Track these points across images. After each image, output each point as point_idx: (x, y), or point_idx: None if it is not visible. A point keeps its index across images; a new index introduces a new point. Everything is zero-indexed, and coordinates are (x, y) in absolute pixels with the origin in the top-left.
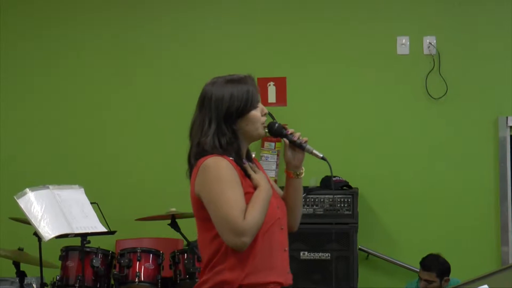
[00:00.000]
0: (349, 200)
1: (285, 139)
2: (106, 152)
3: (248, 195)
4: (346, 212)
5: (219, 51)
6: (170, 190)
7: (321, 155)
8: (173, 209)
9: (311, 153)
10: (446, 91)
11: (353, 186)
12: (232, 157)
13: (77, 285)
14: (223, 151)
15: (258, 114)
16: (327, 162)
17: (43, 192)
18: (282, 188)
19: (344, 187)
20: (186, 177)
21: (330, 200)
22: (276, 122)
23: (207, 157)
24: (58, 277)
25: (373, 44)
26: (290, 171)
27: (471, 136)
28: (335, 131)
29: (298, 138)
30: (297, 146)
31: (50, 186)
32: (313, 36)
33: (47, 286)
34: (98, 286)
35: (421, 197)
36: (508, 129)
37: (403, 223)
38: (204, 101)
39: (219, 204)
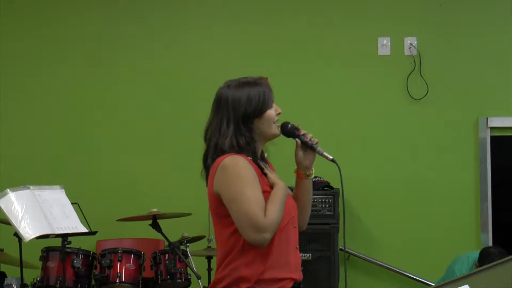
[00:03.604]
0: (330, 200)
1: (297, 139)
2: (88, 152)
3: (265, 194)
4: (327, 213)
5: (201, 51)
6: (151, 191)
7: (331, 157)
8: (155, 210)
9: (322, 154)
10: (427, 92)
11: (334, 186)
12: (249, 156)
13: (58, 285)
14: (241, 150)
15: (273, 113)
16: (337, 164)
17: (24, 193)
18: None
19: (325, 188)
20: (169, 178)
21: (312, 200)
22: (289, 123)
23: (225, 156)
24: (38, 277)
25: (355, 45)
26: (301, 172)
27: (451, 137)
28: (316, 131)
29: (310, 139)
30: (308, 147)
31: (31, 187)
32: (295, 36)
33: (28, 286)
34: (79, 286)
35: (402, 198)
36: (488, 130)
37: (384, 223)
38: (221, 103)
39: (240, 201)
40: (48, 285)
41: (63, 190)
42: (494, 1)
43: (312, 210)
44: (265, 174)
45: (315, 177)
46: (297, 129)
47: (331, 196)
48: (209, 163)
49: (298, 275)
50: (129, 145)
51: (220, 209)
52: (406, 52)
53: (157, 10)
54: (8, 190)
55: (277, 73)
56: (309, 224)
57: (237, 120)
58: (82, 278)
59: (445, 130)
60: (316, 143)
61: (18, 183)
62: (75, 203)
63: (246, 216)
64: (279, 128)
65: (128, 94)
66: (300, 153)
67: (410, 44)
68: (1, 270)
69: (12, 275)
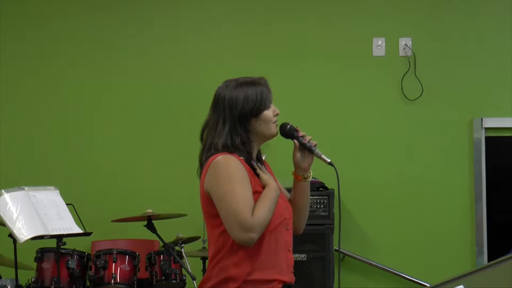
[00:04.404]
0: (325, 201)
1: (295, 141)
2: (82, 153)
3: (256, 194)
4: (322, 213)
5: (198, 52)
6: (146, 191)
7: (329, 160)
8: (149, 211)
9: (320, 157)
10: (422, 93)
11: (329, 187)
12: (243, 156)
13: (53, 286)
14: (234, 150)
15: (270, 113)
16: (335, 168)
17: (18, 194)
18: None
19: (320, 188)
20: (164, 179)
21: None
22: (288, 124)
23: (217, 155)
24: (33, 278)
25: (349, 46)
26: (298, 174)
27: (446, 137)
28: (311, 131)
29: (309, 142)
30: (306, 149)
31: (26, 188)
32: (289, 37)
33: (22, 287)
34: (73, 287)
35: (396, 198)
36: (483, 131)
37: (379, 224)
38: (218, 102)
39: (228, 200)
40: (42, 286)
41: (58, 191)
42: (489, 2)
43: None
44: (258, 175)
45: (314, 178)
46: (296, 130)
47: (326, 197)
48: (203, 162)
49: (289, 278)
50: (124, 146)
51: (210, 208)
52: (401, 52)
53: (154, 11)
54: (3, 191)
55: (271, 74)
56: None
57: (233, 120)
58: (77, 279)
59: (439, 131)
60: (315, 146)
61: (13, 184)
62: (70, 204)
63: (233, 214)
64: (277, 128)
65: (124, 95)
66: (298, 155)
67: (405, 44)
68: None
69: (7, 276)
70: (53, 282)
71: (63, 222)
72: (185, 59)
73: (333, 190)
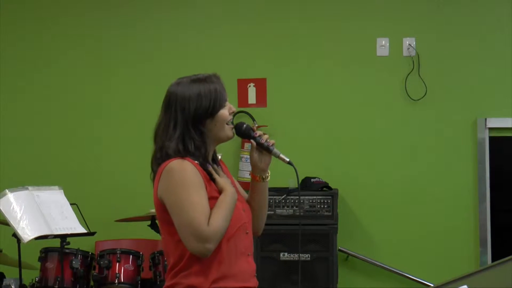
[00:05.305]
0: (329, 201)
1: (252, 141)
2: (86, 153)
3: (213, 200)
4: (326, 213)
5: (200, 52)
6: (150, 191)
7: (288, 160)
8: (153, 210)
9: (278, 157)
10: (426, 93)
11: (332, 187)
12: (198, 161)
13: (56, 286)
14: (188, 154)
15: (226, 112)
16: (294, 166)
17: (23, 193)
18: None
19: (324, 188)
20: None
21: (310, 201)
22: (244, 123)
23: (171, 160)
24: (37, 278)
25: (353, 46)
26: (256, 175)
27: (450, 137)
28: (315, 132)
29: (266, 141)
30: (264, 149)
31: (30, 187)
32: (293, 38)
33: (26, 287)
34: (77, 287)
35: (400, 198)
36: (487, 131)
37: (383, 224)
38: (170, 102)
39: (182, 208)
40: (46, 285)
41: (62, 191)
42: (493, 2)
43: (310, 211)
44: (213, 180)
45: (313, 177)
46: (252, 130)
47: (330, 197)
48: (154, 168)
49: (252, 283)
50: (127, 146)
51: (165, 215)
52: (405, 52)
53: (154, 11)
54: (7, 190)
55: (274, 74)
56: (307, 224)
57: (186, 122)
58: (81, 278)
59: (443, 131)
60: (272, 145)
61: (17, 184)
62: (74, 204)
63: (188, 224)
64: (233, 130)
65: (126, 95)
66: (255, 155)
67: (409, 44)
68: (0, 271)
69: (11, 276)
70: (57, 282)
71: (67, 222)
72: (185, 58)
73: (337, 190)
